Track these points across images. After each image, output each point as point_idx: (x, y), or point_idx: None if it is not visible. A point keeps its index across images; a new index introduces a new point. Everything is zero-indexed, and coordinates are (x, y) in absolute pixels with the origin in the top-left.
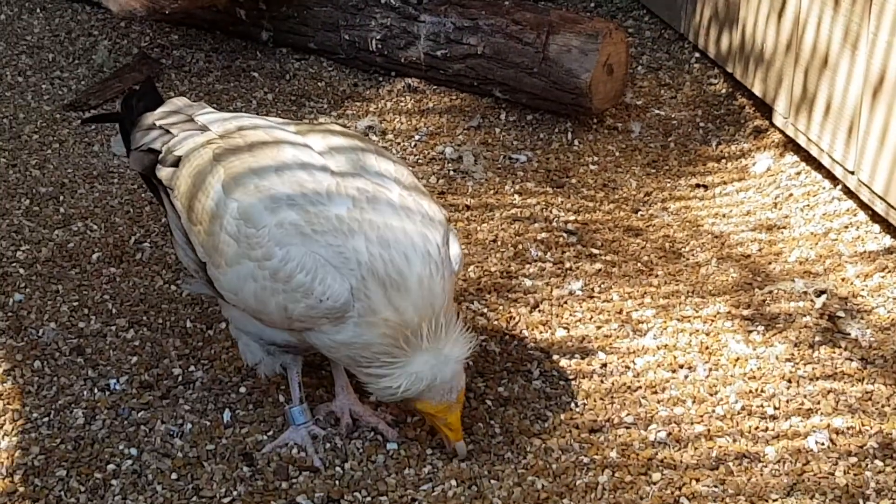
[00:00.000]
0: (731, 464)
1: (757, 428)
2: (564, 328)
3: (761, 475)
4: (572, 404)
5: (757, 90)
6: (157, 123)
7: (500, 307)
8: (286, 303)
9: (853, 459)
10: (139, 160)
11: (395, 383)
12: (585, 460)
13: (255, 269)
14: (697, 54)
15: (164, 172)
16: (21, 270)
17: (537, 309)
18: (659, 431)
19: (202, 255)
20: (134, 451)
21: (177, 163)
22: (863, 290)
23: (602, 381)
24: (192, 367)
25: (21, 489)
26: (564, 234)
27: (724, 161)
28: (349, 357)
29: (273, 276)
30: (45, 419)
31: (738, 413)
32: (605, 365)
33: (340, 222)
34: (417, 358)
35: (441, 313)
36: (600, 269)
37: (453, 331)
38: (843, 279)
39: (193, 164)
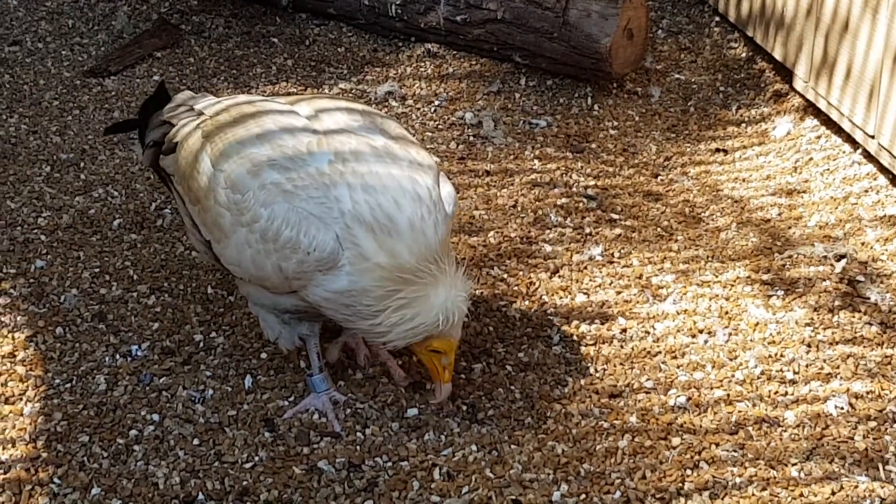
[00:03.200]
0: (750, 428)
1: (776, 392)
2: (584, 293)
3: (780, 440)
4: (592, 369)
5: (777, 54)
6: (164, 118)
7: (520, 273)
8: (279, 262)
9: (872, 424)
10: (148, 156)
11: (421, 320)
12: (605, 425)
13: (247, 234)
14: (717, 18)
15: (165, 161)
16: (42, 237)
17: (557, 274)
18: (678, 396)
19: (205, 234)
20: (156, 417)
21: (175, 149)
22: (882, 254)
23: (622, 347)
24: (213, 334)
25: (44, 454)
26: (584, 200)
27: (743, 125)
28: (352, 311)
29: (263, 238)
30: (68, 385)
31: (758, 378)
32: (624, 330)
33: (322, 175)
34: (437, 290)
35: (438, 252)
36: (620, 235)
37: (454, 268)
38: (862, 243)
39: (187, 147)
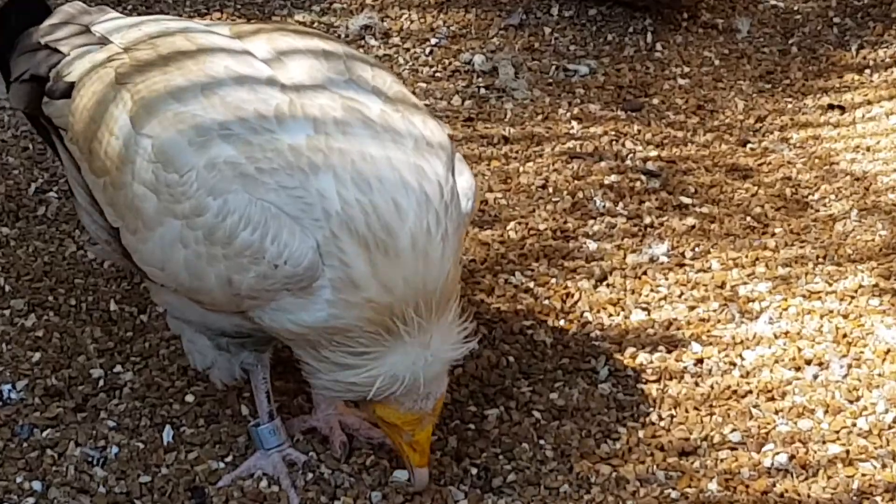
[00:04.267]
0: (878, 498)
1: None
2: (643, 309)
3: None
4: (654, 416)
5: None
6: (43, 41)
7: (553, 280)
8: (230, 273)
9: None
10: (19, 94)
11: (362, 380)
12: (673, 495)
13: (182, 229)
14: None
15: (52, 107)
16: None
17: (604, 282)
18: (777, 454)
19: (113, 219)
20: (37, 486)
21: (69, 92)
22: None
23: (697, 384)
24: (117, 367)
25: None
26: (643, 177)
27: (867, 72)
28: (311, 346)
29: (209, 238)
30: None
31: (889, 427)
32: (700, 361)
33: (297, 156)
34: (398, 351)
35: (439, 289)
36: (693, 227)
37: (447, 317)
38: None
39: (90, 91)
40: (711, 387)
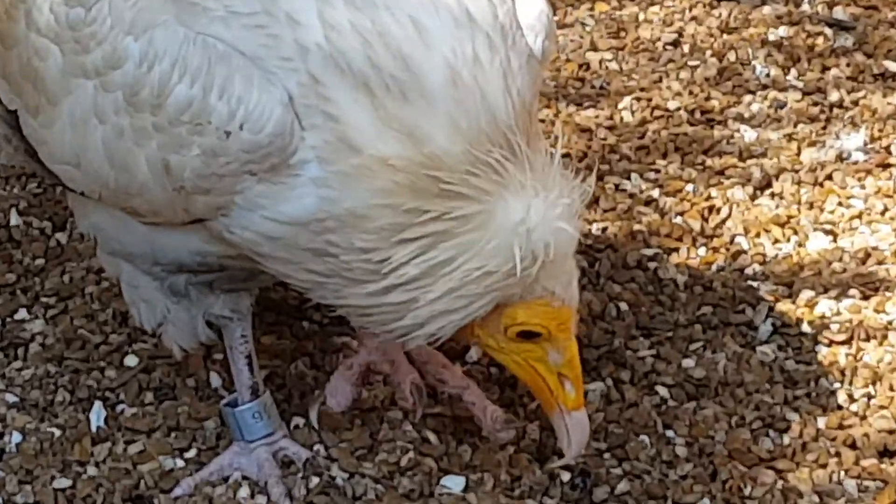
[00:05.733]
0: None
1: None
2: (827, 233)
3: None
4: (842, 395)
5: None
6: None
7: (689, 187)
8: (165, 153)
9: None
10: None
11: (477, 264)
12: None
13: (96, 93)
14: None
15: None
16: None
17: (768, 191)
18: None
19: (8, 99)
20: None
21: None
22: None
23: None
24: (21, 312)
25: None
26: (827, 31)
27: None
28: (327, 269)
29: (131, 101)
30: None
31: None
32: None
33: None
34: (509, 198)
35: (513, 129)
36: None
37: (544, 155)
38: None
39: None
40: None
